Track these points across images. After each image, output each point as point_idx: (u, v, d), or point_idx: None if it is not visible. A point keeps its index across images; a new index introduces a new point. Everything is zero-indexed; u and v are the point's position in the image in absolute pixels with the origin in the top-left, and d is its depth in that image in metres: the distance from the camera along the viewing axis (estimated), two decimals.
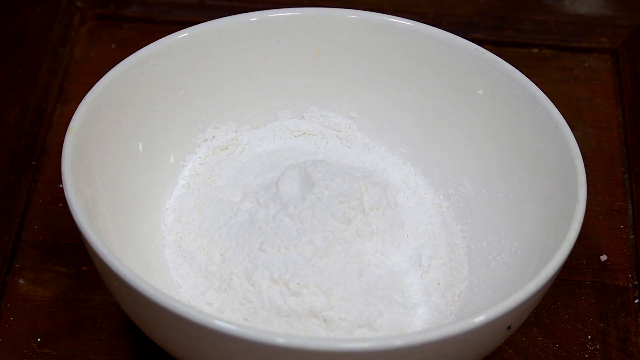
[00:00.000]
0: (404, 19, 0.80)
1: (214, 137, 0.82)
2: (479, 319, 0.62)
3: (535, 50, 0.97)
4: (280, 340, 0.61)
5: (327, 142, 0.84)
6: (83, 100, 0.73)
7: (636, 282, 0.81)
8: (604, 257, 0.82)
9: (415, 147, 0.83)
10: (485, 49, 0.78)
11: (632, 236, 0.84)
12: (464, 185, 0.81)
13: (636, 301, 0.80)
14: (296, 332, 0.70)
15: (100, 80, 0.75)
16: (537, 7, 0.99)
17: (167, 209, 0.79)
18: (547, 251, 0.70)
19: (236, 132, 0.83)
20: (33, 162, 0.87)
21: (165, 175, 0.81)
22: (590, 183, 0.71)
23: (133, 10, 0.98)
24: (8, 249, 0.81)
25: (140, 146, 0.78)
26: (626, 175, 0.87)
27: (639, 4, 0.98)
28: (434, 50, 0.79)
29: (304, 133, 0.84)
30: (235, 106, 0.82)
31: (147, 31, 0.96)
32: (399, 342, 0.61)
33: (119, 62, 0.76)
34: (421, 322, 0.72)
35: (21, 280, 0.80)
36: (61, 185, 0.69)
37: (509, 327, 0.66)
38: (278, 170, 0.80)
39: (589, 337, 0.78)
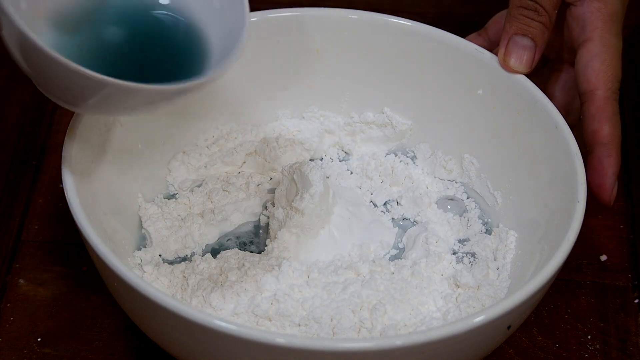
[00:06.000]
0: (404, 19, 0.80)
1: (214, 137, 0.82)
2: (479, 319, 0.63)
3: None
4: (280, 340, 0.61)
5: (327, 142, 0.84)
6: None
7: (636, 282, 0.81)
8: (604, 257, 0.82)
9: (414, 147, 0.83)
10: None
11: (632, 236, 0.84)
12: (464, 184, 0.81)
13: (636, 301, 0.80)
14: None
15: None
16: None
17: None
18: (547, 251, 0.70)
19: (237, 132, 0.83)
20: (33, 162, 0.87)
21: (165, 175, 0.81)
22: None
23: None
24: (8, 249, 0.81)
25: (140, 146, 0.78)
26: (626, 175, 0.87)
27: (639, 4, 0.98)
28: (434, 50, 0.79)
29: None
30: (236, 106, 0.82)
31: None
32: (399, 342, 0.61)
33: None
34: (422, 322, 0.72)
35: (21, 280, 0.80)
36: (61, 185, 0.69)
37: (509, 327, 0.66)
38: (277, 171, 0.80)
39: (589, 337, 0.78)
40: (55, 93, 0.64)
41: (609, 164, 0.73)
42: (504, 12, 0.81)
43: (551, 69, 0.81)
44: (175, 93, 0.63)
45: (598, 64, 0.74)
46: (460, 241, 0.78)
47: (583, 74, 0.74)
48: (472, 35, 0.83)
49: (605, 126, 0.74)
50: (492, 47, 0.81)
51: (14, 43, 0.61)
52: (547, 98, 0.75)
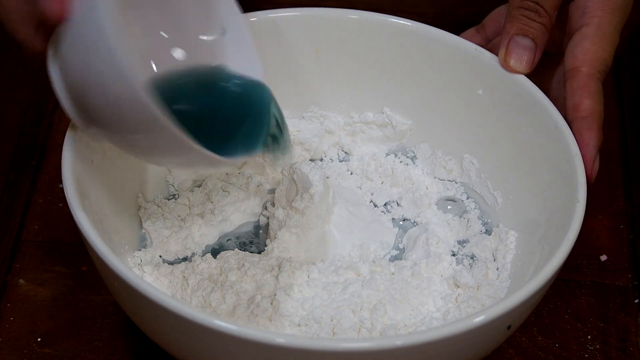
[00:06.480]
0: (403, 19, 0.80)
1: None
2: (479, 319, 0.62)
3: None
4: (280, 340, 0.61)
5: (327, 142, 0.84)
6: None
7: (636, 282, 0.81)
8: (604, 257, 0.82)
9: (415, 147, 0.83)
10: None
11: (632, 236, 0.84)
12: (464, 185, 0.81)
13: (636, 301, 0.80)
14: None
15: None
16: None
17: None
18: (547, 251, 0.70)
19: None
20: (33, 162, 0.87)
21: (165, 175, 0.81)
22: (589, 183, 0.71)
23: None
24: (8, 249, 0.81)
25: None
26: (626, 175, 0.87)
27: (639, 4, 0.98)
28: (434, 50, 0.79)
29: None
30: None
31: None
32: (399, 342, 0.61)
33: None
34: (422, 322, 0.72)
35: (21, 280, 0.80)
36: (61, 185, 0.69)
37: (509, 327, 0.66)
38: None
39: (589, 337, 0.78)
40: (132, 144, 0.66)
41: (590, 137, 0.71)
42: (501, 8, 0.81)
43: (550, 62, 0.80)
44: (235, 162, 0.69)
45: (589, 44, 0.73)
46: (460, 242, 0.78)
47: (572, 53, 0.74)
48: (470, 31, 0.83)
49: (586, 100, 0.72)
50: (489, 44, 0.80)
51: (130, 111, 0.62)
52: (547, 98, 0.75)
